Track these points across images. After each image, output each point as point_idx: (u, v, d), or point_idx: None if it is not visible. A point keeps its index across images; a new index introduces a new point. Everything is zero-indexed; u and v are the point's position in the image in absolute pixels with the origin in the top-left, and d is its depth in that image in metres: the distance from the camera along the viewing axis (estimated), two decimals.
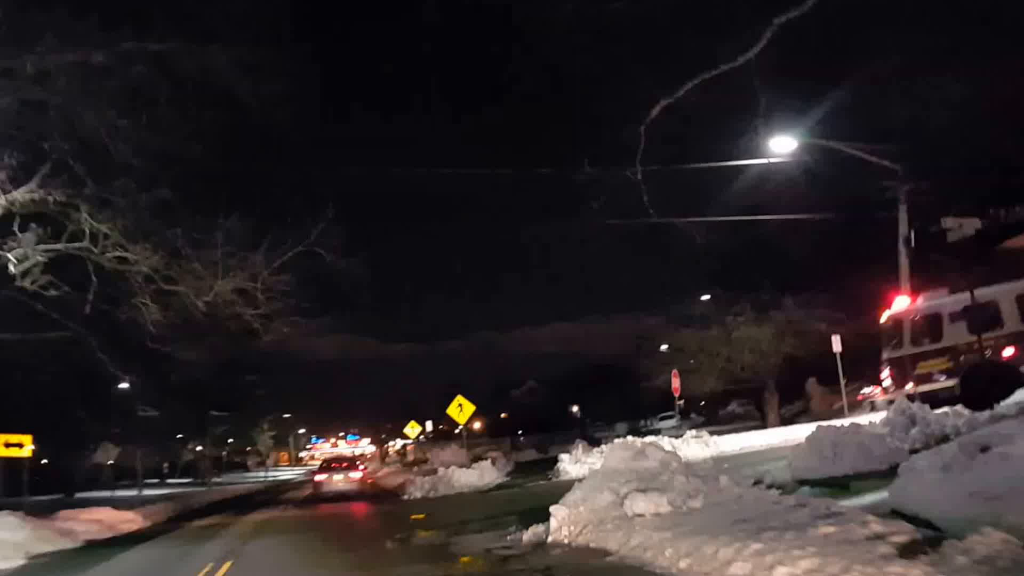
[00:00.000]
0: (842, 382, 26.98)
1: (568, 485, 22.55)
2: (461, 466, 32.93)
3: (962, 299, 19.84)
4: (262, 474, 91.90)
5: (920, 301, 21.18)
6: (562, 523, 12.69)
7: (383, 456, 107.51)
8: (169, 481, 75.41)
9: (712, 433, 29.63)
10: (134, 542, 22.52)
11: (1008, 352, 19.29)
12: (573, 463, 28.69)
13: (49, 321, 23.65)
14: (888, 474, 13.55)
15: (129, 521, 29.87)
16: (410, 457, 79.32)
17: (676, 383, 33.49)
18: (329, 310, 25.64)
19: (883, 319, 22.00)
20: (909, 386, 20.17)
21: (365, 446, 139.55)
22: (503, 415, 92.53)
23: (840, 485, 13.49)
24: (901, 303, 21.67)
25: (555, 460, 32.67)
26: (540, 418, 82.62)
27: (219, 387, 56.42)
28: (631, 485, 12.58)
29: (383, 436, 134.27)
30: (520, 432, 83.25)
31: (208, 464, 70.97)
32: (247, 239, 21.84)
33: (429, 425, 66.90)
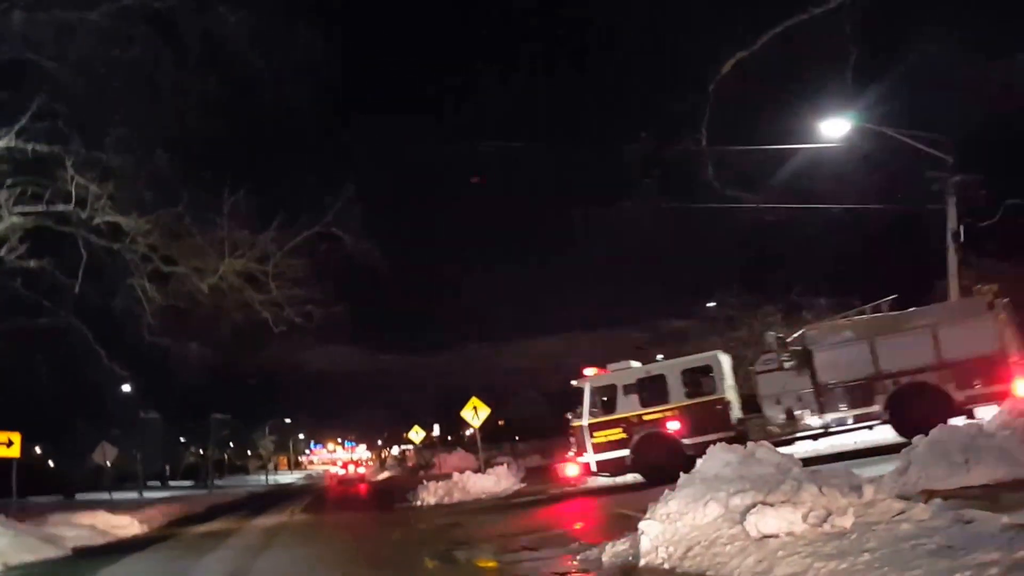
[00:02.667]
0: None
1: (603, 491, 19.32)
2: (476, 471, 29.59)
3: (635, 372, 20.79)
4: (263, 478, 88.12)
5: (604, 372, 21.35)
6: (657, 543, 9.42)
7: (382, 462, 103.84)
8: (171, 484, 72.00)
9: None
10: (126, 551, 19.10)
11: (673, 425, 19.81)
12: None
13: (38, 308, 20.35)
14: None
15: (124, 526, 26.34)
16: (410, 463, 75.73)
17: None
18: (343, 300, 21.96)
19: (573, 385, 21.80)
20: (588, 454, 20.61)
21: (362, 452, 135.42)
22: (500, 422, 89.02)
23: (984, 498, 10.32)
24: (588, 373, 21.50)
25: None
26: (536, 425, 79.33)
27: (221, 391, 53.08)
28: (747, 496, 9.32)
29: (379, 442, 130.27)
30: (517, 438, 79.88)
31: (210, 467, 67.24)
32: (256, 216, 18.56)
33: (437, 429, 63.42)
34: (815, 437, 19.08)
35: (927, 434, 12.04)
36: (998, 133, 23.45)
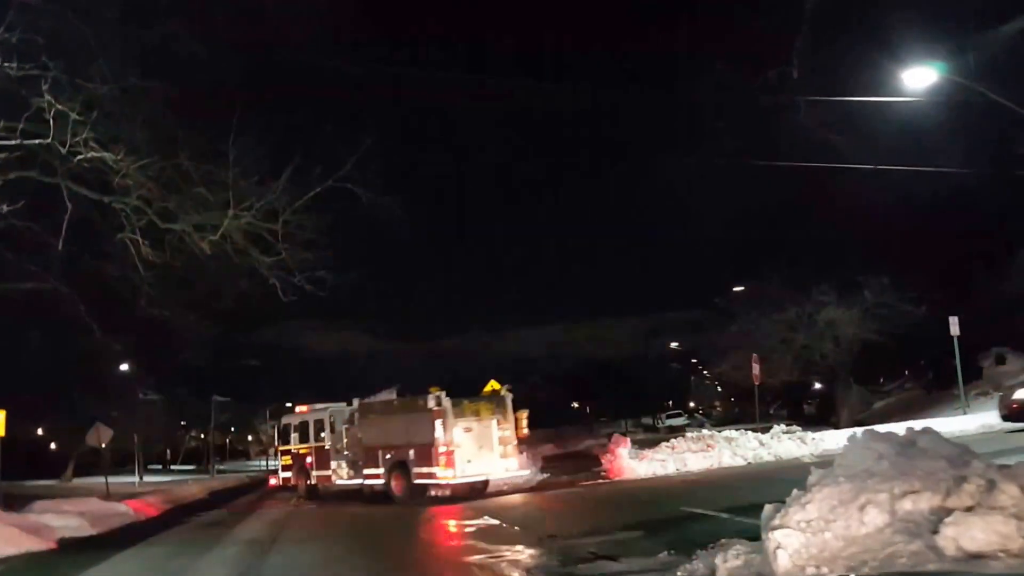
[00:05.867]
0: (959, 370, 21.46)
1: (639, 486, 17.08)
2: None
3: (296, 417, 27.26)
4: (264, 463, 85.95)
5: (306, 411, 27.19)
6: (800, 561, 7.06)
7: None
8: (172, 468, 69.88)
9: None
10: (118, 545, 16.81)
11: (309, 459, 25.79)
12: (633, 459, 23.44)
13: (23, 273, 18.04)
14: None
15: (119, 514, 24.10)
16: None
17: (757, 369, 27.34)
18: (362, 264, 19.98)
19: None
20: (279, 472, 28.17)
21: None
22: None
23: None
24: (298, 409, 28.00)
25: (592, 456, 27.69)
26: (546, 413, 77.48)
27: (221, 372, 50.93)
28: (921, 499, 7.00)
29: None
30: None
31: (211, 451, 65.10)
32: (264, 167, 16.15)
33: None
34: (360, 487, 23.30)
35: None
36: None
